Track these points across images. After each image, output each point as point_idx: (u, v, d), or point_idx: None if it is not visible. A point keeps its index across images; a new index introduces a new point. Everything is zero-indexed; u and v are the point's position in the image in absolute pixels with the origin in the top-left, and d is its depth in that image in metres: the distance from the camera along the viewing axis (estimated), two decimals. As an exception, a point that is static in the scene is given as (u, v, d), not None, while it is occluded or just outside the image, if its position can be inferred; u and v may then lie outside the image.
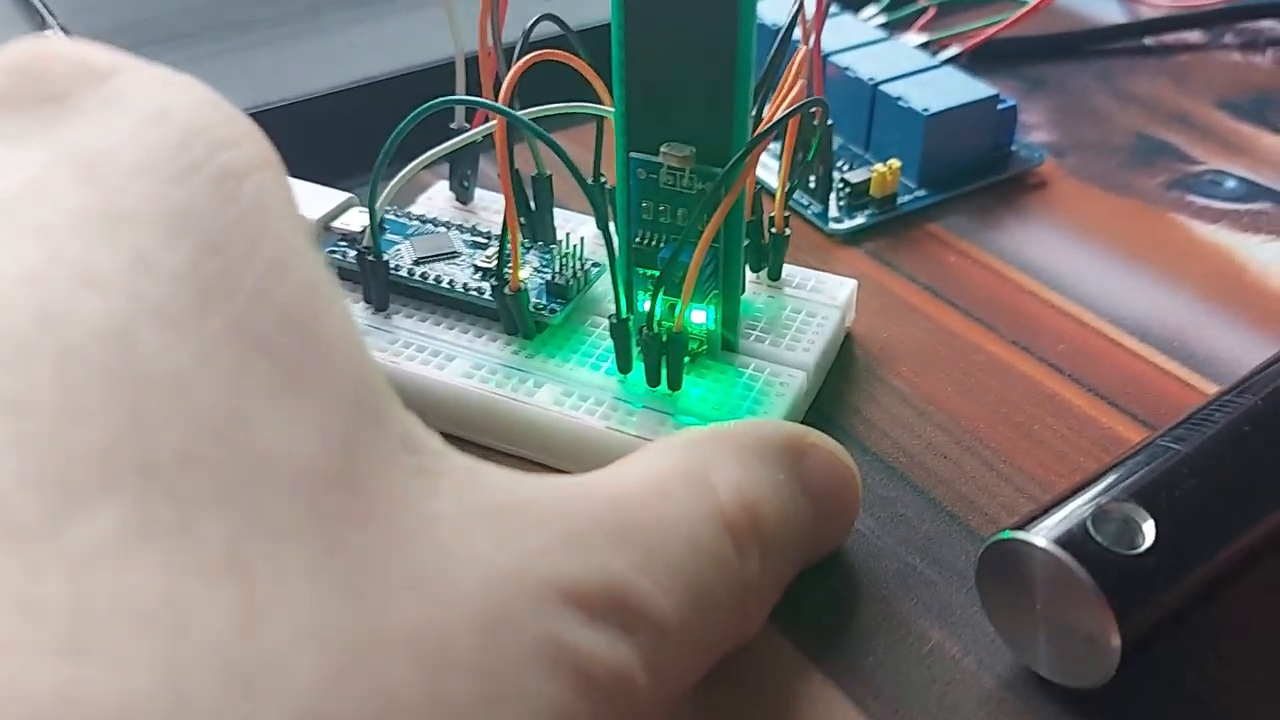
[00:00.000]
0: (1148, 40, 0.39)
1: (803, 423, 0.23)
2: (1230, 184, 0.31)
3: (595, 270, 0.24)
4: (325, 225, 0.25)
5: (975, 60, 0.35)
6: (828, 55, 0.31)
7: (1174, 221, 0.30)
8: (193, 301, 0.12)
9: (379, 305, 0.24)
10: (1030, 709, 0.18)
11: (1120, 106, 0.35)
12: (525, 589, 0.13)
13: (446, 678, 0.12)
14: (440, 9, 0.25)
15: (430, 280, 0.24)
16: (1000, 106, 0.31)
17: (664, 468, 0.16)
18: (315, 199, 0.25)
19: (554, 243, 0.25)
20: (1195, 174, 0.32)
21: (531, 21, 0.24)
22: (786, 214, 0.24)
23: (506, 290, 0.23)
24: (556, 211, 0.26)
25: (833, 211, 0.29)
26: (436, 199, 0.28)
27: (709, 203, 0.20)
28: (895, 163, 0.29)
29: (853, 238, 0.29)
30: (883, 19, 0.37)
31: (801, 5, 0.24)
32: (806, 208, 0.29)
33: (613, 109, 0.21)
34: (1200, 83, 0.36)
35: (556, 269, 0.24)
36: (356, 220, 0.25)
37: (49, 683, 0.09)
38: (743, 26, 0.19)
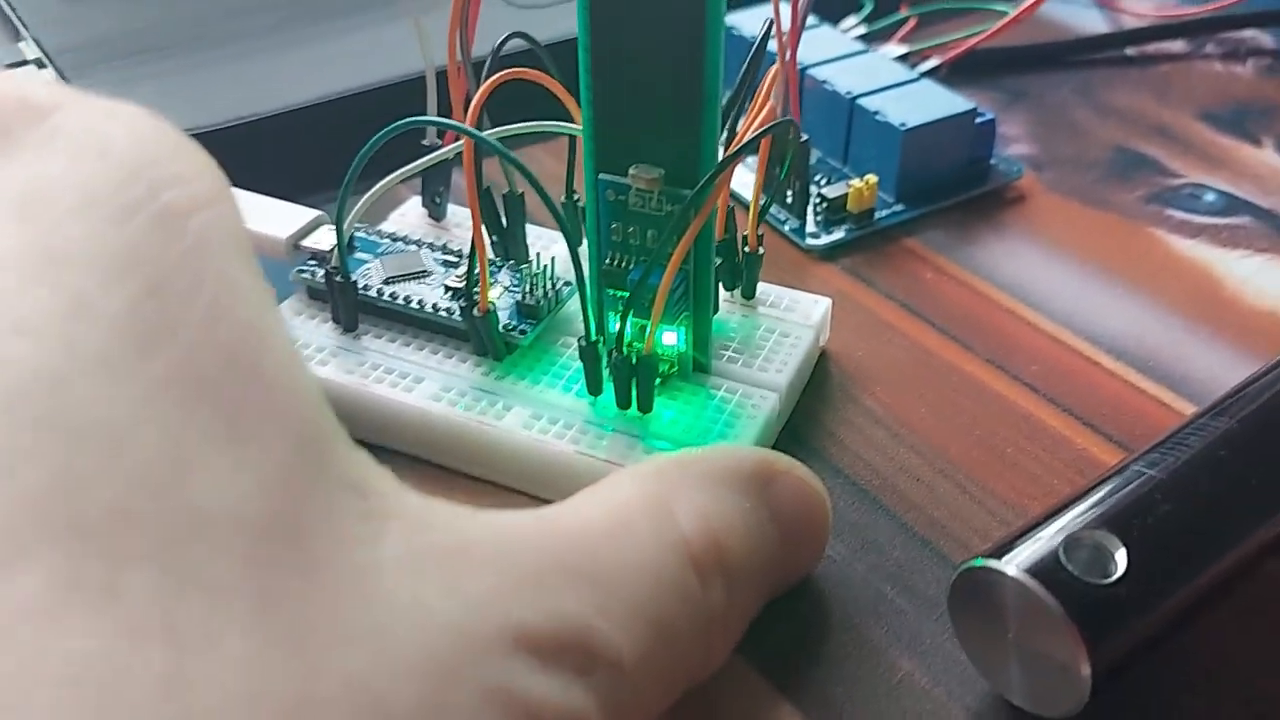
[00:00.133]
0: (1130, 50, 0.38)
1: (775, 445, 0.23)
2: (1209, 197, 0.31)
3: (567, 290, 0.24)
4: (295, 244, 0.25)
5: (956, 71, 0.35)
6: (806, 68, 0.31)
7: (1152, 236, 0.30)
8: (130, 346, 0.12)
9: (348, 326, 0.24)
10: (1000, 741, 0.18)
11: (1100, 119, 0.35)
12: (472, 638, 0.12)
13: None
14: (411, 23, 0.25)
15: (399, 300, 0.23)
16: (978, 120, 0.30)
17: (626, 499, 0.16)
18: (285, 217, 0.25)
19: (526, 261, 0.25)
20: (1174, 187, 0.32)
21: (500, 39, 0.23)
22: (760, 232, 0.24)
23: (475, 312, 0.22)
24: (530, 228, 0.26)
25: (810, 226, 0.29)
26: (409, 215, 0.28)
27: (678, 225, 0.20)
28: (872, 178, 0.29)
29: (829, 253, 0.29)
30: (863, 30, 0.37)
31: (776, 21, 0.23)
32: (783, 223, 0.29)
33: (582, 128, 0.21)
34: (1181, 94, 0.36)
35: (527, 289, 0.23)
36: (327, 239, 0.24)
37: None
38: (709, 50, 0.19)
